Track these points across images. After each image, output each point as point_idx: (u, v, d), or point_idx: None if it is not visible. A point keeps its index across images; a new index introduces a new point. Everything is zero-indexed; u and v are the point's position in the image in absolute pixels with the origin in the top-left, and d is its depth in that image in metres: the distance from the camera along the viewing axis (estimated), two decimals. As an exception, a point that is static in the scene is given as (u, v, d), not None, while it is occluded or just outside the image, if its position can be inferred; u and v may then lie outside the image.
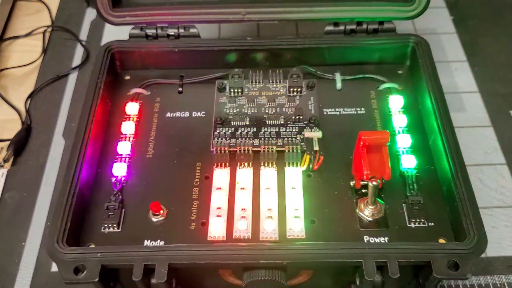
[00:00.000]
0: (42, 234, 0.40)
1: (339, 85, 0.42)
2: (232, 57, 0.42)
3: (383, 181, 0.35)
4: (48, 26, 0.57)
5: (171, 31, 0.43)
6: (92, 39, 0.56)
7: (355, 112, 0.40)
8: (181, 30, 0.43)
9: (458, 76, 0.51)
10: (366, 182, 0.34)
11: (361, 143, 0.33)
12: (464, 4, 0.58)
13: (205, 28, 0.52)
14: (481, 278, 0.38)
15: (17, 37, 0.56)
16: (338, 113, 0.40)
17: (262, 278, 0.32)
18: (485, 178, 0.44)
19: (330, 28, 0.42)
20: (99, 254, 0.31)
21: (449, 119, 0.37)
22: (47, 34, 0.56)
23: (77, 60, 0.54)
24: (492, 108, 0.48)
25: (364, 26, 0.42)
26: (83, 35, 0.56)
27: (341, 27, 0.42)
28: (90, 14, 0.58)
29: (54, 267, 0.39)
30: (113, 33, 0.53)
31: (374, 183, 0.33)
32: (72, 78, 0.52)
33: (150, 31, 0.43)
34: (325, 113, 0.40)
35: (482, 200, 0.42)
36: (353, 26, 0.42)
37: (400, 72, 0.43)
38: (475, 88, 0.50)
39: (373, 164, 0.33)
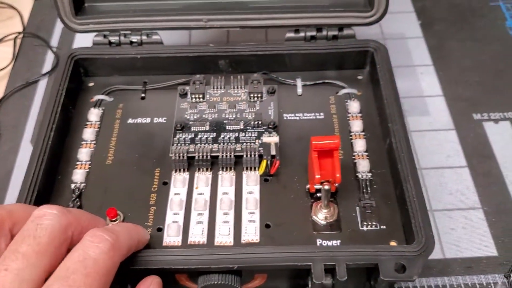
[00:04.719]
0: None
1: (299, 90, 0.43)
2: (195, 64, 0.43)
3: (337, 185, 0.35)
4: (19, 33, 0.57)
5: (134, 38, 0.43)
6: (63, 45, 0.56)
7: (314, 117, 0.41)
8: (144, 37, 0.43)
9: (423, 80, 0.52)
10: (320, 186, 0.35)
11: (312, 148, 0.33)
12: (431, 8, 0.59)
13: (175, 34, 0.53)
14: (438, 279, 0.39)
15: (-13, 44, 0.56)
16: (297, 118, 0.41)
17: (216, 283, 0.32)
18: (446, 181, 0.44)
19: (290, 35, 0.43)
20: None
21: (403, 123, 0.37)
22: (18, 41, 0.57)
23: (47, 66, 0.54)
24: (456, 112, 0.49)
25: (324, 32, 0.43)
26: (54, 41, 0.57)
27: (302, 34, 0.43)
28: (61, 20, 0.58)
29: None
30: (85, 39, 0.54)
31: (326, 187, 0.33)
32: (42, 84, 0.53)
33: (113, 38, 0.43)
34: (285, 118, 0.41)
35: (442, 202, 0.43)
36: (313, 33, 0.43)
37: (360, 77, 0.43)
38: (439, 92, 0.51)
39: (324, 168, 0.34)
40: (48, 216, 0.28)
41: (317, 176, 0.33)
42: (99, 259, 0.27)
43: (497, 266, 0.39)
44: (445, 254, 0.40)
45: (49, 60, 0.55)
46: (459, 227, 0.42)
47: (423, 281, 0.39)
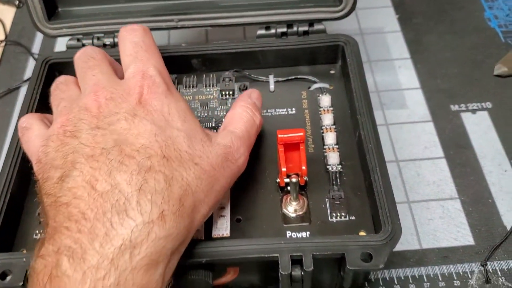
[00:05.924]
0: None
1: (272, 87, 0.43)
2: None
3: (306, 178, 0.35)
4: (1, 41, 0.58)
5: (107, 41, 0.44)
6: (44, 52, 0.57)
7: (286, 113, 0.41)
8: (117, 39, 0.43)
9: (401, 73, 0.52)
10: (288, 179, 0.35)
11: (278, 141, 0.34)
12: (409, 2, 0.59)
13: (154, 35, 0.53)
14: (415, 270, 0.39)
15: (-31, 54, 0.57)
16: (270, 114, 0.41)
17: (189, 277, 0.32)
18: (423, 172, 0.45)
19: (262, 32, 0.43)
20: (24, 259, 0.32)
21: (372, 115, 0.37)
22: (0, 49, 0.57)
23: (29, 73, 0.55)
24: (433, 104, 0.49)
25: (295, 28, 0.43)
26: (36, 48, 0.57)
27: (273, 31, 0.43)
28: (42, 27, 0.59)
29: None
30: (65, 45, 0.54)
31: (294, 179, 0.34)
32: (23, 90, 0.53)
33: (87, 42, 0.44)
34: (257, 114, 0.41)
35: (419, 193, 0.43)
36: (284, 29, 0.43)
37: (332, 72, 0.44)
38: (417, 85, 0.51)
39: (291, 161, 0.34)
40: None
41: (283, 169, 0.33)
42: (143, 38, 0.36)
43: (473, 255, 0.39)
44: (422, 244, 0.40)
45: (30, 66, 0.56)
46: (436, 218, 0.42)
47: (399, 271, 0.39)
